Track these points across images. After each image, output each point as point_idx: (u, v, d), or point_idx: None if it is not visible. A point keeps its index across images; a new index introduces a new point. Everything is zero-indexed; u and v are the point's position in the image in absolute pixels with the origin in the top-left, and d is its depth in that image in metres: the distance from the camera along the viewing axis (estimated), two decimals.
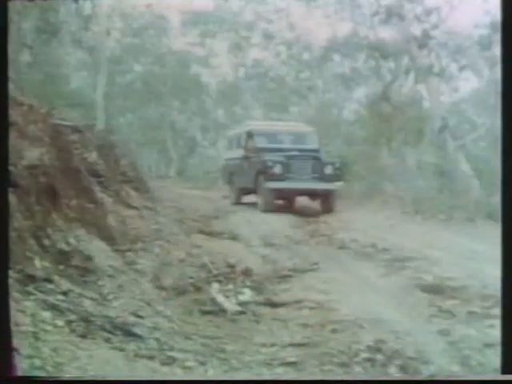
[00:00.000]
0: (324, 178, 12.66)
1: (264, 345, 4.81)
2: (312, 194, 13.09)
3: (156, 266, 6.69)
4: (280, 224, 10.59)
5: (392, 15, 17.20)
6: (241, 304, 5.83)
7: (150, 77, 26.81)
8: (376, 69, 18.37)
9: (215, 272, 6.84)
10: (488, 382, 4.17)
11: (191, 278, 6.52)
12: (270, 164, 12.51)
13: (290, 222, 10.57)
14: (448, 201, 12.86)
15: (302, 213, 12.66)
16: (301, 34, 21.55)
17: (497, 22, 16.34)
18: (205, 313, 5.56)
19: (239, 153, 14.36)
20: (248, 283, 6.56)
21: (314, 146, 14.12)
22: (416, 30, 16.95)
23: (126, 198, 8.89)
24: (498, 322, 5.29)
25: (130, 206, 8.70)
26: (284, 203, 13.42)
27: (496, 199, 16.85)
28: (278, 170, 12.45)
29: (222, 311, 5.61)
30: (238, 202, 14.43)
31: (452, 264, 7.33)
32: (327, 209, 12.73)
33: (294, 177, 12.58)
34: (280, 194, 12.66)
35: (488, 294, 6.09)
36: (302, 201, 13.88)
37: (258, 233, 9.80)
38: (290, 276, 7.01)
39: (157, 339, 4.37)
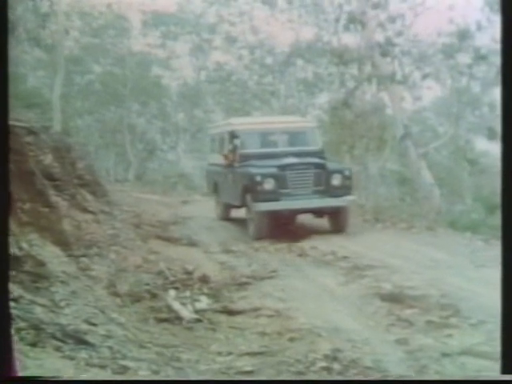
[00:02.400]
0: (331, 192, 10.26)
1: (220, 353, 4.81)
2: (317, 212, 10.71)
3: (111, 272, 6.64)
4: (240, 230, 10.60)
5: (356, 21, 17.39)
6: (197, 311, 5.81)
7: (110, 78, 26.57)
8: (339, 75, 18.54)
9: (172, 279, 6.81)
10: (488, 382, 4.24)
11: (147, 284, 6.49)
12: (258, 179, 10.05)
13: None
14: (409, 209, 13.03)
15: (305, 235, 10.33)
16: (264, 37, 21.65)
17: (460, 30, 16.68)
18: (160, 320, 5.52)
19: (222, 158, 11.73)
20: (205, 290, 6.55)
21: (315, 147, 11.52)
22: (379, 36, 17.16)
23: (81, 202, 8.82)
24: (456, 332, 5.42)
25: (85, 211, 8.63)
26: (281, 227, 10.55)
27: (457, 208, 17.15)
28: (269, 185, 10.00)
29: (178, 319, 5.58)
30: (224, 219, 12.24)
31: (412, 272, 7.42)
32: (338, 228, 10.49)
33: (292, 193, 10.17)
34: (275, 217, 10.11)
35: (447, 303, 6.20)
36: (304, 219, 11.47)
37: (217, 239, 9.80)
38: (248, 283, 7.01)
39: (109, 347, 4.32)
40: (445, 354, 4.93)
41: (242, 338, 5.25)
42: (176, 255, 8.28)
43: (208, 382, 4.32)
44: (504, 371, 3.81)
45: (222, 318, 5.77)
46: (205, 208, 13.87)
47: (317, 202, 10.24)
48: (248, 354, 4.83)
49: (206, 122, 22.96)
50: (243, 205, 10.64)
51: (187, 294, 6.36)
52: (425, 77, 17.54)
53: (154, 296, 6.16)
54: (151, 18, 26.34)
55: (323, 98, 20.06)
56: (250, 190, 10.20)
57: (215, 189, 12.71)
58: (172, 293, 6.33)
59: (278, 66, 21.37)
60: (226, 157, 11.41)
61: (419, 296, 6.46)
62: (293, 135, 11.72)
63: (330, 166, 10.65)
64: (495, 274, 7.22)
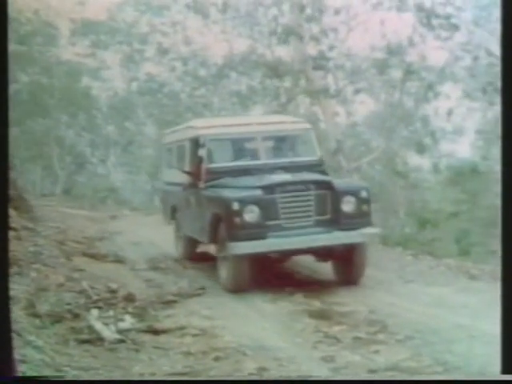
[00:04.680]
0: (341, 223, 7.45)
1: (142, 375, 4.77)
2: (321, 253, 7.77)
3: (31, 291, 6.48)
4: (168, 246, 10.52)
5: (289, 34, 17.63)
6: (121, 332, 5.74)
7: (37, 88, 26.05)
8: (272, 88, 18.72)
9: (95, 297, 6.70)
10: (488, 381, 4.32)
11: (69, 304, 6.35)
12: (235, 207, 7.18)
13: None
14: None
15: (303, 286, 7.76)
16: (197, 49, 21.63)
17: (392, 45, 17.13)
18: (81, 342, 5.43)
19: (182, 176, 8.94)
20: (130, 309, 6.48)
21: (312, 156, 8.68)
22: (313, 50, 17.43)
23: None
24: (383, 348, 5.53)
25: None
26: (266, 274, 7.92)
27: (390, 222, 17.50)
28: (252, 216, 7.19)
29: (100, 340, 5.50)
30: (189, 258, 9.57)
31: (340, 289, 7.55)
32: (349, 276, 7.76)
33: (284, 225, 7.40)
34: (259, 261, 7.41)
35: (375, 319, 6.33)
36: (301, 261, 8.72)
37: (144, 256, 9.71)
38: (174, 301, 6.99)
39: (22, 373, 4.22)
40: (371, 371, 5.03)
41: (166, 358, 5.23)
42: (101, 273, 8.16)
43: (208, 382, 4.49)
44: (504, 371, 3.92)
45: (146, 337, 5.73)
46: (133, 223, 13.74)
47: (322, 239, 7.37)
48: (171, 374, 4.81)
49: (136, 134, 22.80)
50: (213, 241, 8.00)
51: (111, 313, 6.28)
52: (358, 91, 17.92)
53: (75, 316, 6.05)
54: (81, 26, 25.97)
55: (257, 111, 20.18)
56: (224, 222, 7.39)
57: (173, 216, 10.06)
58: (94, 312, 6.22)
59: (211, 78, 21.40)
60: (187, 174, 8.72)
61: (347, 312, 6.57)
62: (279, 141, 8.90)
63: (339, 184, 7.70)
64: (423, 289, 7.47)
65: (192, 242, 9.33)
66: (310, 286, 7.74)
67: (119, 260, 9.30)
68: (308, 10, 17.66)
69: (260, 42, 19.16)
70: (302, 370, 4.98)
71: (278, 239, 7.26)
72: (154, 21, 23.30)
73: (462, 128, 16.54)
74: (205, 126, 8.98)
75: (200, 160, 8.38)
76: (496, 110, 15.61)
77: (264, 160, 8.42)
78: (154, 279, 8.16)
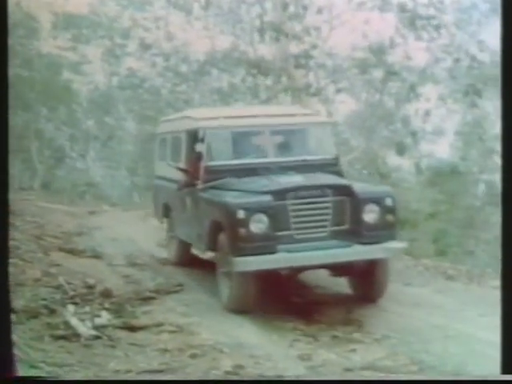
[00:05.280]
0: (361, 234, 6.52)
1: (118, 371, 4.76)
2: (336, 268, 6.81)
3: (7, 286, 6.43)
4: (147, 242, 10.47)
5: (272, 32, 17.63)
6: (97, 328, 5.71)
7: (17, 81, 25.84)
8: (254, 86, 18.71)
9: (72, 293, 6.67)
10: (488, 381, 4.35)
11: (45, 299, 6.32)
12: (241, 215, 6.24)
13: (156, 241, 10.45)
14: None
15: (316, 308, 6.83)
16: (179, 45, 21.52)
17: (374, 45, 17.19)
18: (57, 338, 5.41)
19: (177, 172, 8.00)
20: (106, 305, 6.46)
21: (327, 154, 7.65)
22: (295, 48, 17.44)
23: None
24: (360, 347, 5.56)
25: None
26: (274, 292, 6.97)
27: None
28: (259, 227, 6.24)
29: (76, 336, 5.48)
30: (181, 263, 8.66)
31: (319, 287, 7.58)
32: (368, 293, 6.95)
33: (296, 237, 6.49)
34: (267, 279, 6.46)
35: (352, 318, 6.37)
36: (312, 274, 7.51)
37: (122, 251, 9.64)
38: (151, 298, 6.96)
39: None
40: (347, 369, 5.06)
41: (142, 354, 5.22)
42: (78, 268, 8.10)
43: (208, 382, 4.49)
44: (504, 371, 3.95)
45: (123, 334, 5.71)
46: (112, 219, 13.66)
47: (340, 254, 6.43)
48: (147, 371, 4.80)
49: (117, 129, 22.66)
50: (212, 248, 6.93)
51: (87, 309, 6.25)
52: (339, 90, 17.95)
53: (51, 312, 6.02)
54: (62, 20, 25.77)
55: None
56: (226, 232, 6.44)
57: (166, 214, 9.12)
58: (71, 308, 6.19)
59: (192, 75, 21.33)
60: (183, 171, 7.78)
61: (325, 311, 6.60)
62: (290, 136, 7.74)
63: (360, 189, 6.72)
64: (400, 289, 7.52)
65: (186, 245, 8.24)
66: (326, 303, 6.92)
67: (97, 255, 9.22)
68: (291, 8, 17.67)
69: (242, 40, 19.13)
70: (278, 367, 5.01)
71: (290, 254, 6.26)
72: (136, 16, 23.15)
73: (442, 129, 16.65)
74: (205, 116, 7.82)
75: (198, 156, 7.31)
76: (475, 113, 15.76)
77: (272, 158, 7.39)
78: (132, 275, 8.10)
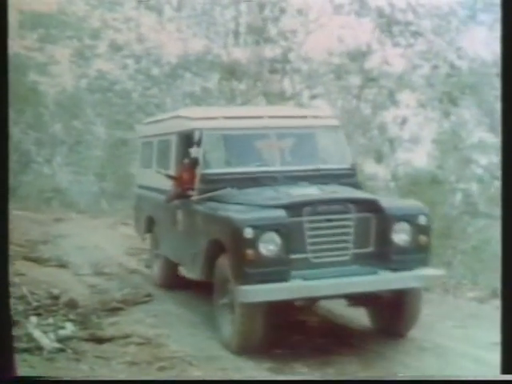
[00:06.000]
0: (389, 258, 5.73)
1: None
2: (357, 298, 5.94)
3: None
4: (115, 251, 10.42)
5: (247, 35, 17.68)
6: (61, 340, 5.66)
7: None
8: (228, 90, 18.72)
9: (35, 304, 6.61)
10: (488, 381, 4.37)
11: None
12: (249, 234, 5.32)
13: (124, 249, 10.41)
14: None
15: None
16: (150, 47, 21.49)
17: (351, 50, 17.31)
18: (19, 351, 5.33)
19: (165, 181, 7.15)
20: (71, 316, 6.41)
21: (342, 163, 6.86)
22: (270, 52, 17.50)
23: None
24: (335, 358, 5.57)
25: None
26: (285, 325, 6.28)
27: None
28: (271, 248, 5.37)
29: (39, 349, 5.42)
30: (165, 285, 8.00)
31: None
32: (394, 327, 6.12)
33: (312, 260, 5.64)
34: (278, 311, 5.65)
35: (327, 327, 6.40)
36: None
37: (89, 260, 9.58)
38: (119, 308, 6.93)
39: None
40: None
41: (108, 368, 5.19)
42: (43, 277, 8.06)
43: (208, 382, 4.55)
44: (504, 371, 3.98)
45: (88, 346, 5.67)
46: (79, 226, 13.56)
47: (364, 282, 5.57)
48: None
49: (85, 133, 22.49)
50: (208, 278, 6.14)
51: (50, 320, 6.20)
52: (314, 96, 18.03)
53: (13, 324, 5.95)
54: (29, 19, 25.56)
55: None
56: (230, 254, 5.56)
57: (150, 228, 8.31)
58: (33, 319, 6.13)
59: (164, 78, 21.29)
60: (174, 180, 6.90)
61: (298, 323, 6.60)
62: (299, 141, 6.98)
63: (389, 204, 5.90)
64: None
65: (173, 265, 7.72)
66: (343, 337, 6.21)
67: (63, 264, 9.17)
68: (267, 11, 17.74)
69: (216, 43, 19.15)
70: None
71: (306, 282, 5.40)
72: (107, 16, 23.07)
73: (419, 137, 16.77)
74: (201, 116, 6.94)
75: (193, 162, 6.47)
76: (452, 121, 15.91)
77: (279, 166, 6.55)
78: (99, 285, 8.08)
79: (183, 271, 7.52)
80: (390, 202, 6.04)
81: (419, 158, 16.00)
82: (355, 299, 5.95)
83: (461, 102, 15.64)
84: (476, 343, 5.84)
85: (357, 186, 6.59)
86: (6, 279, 3.54)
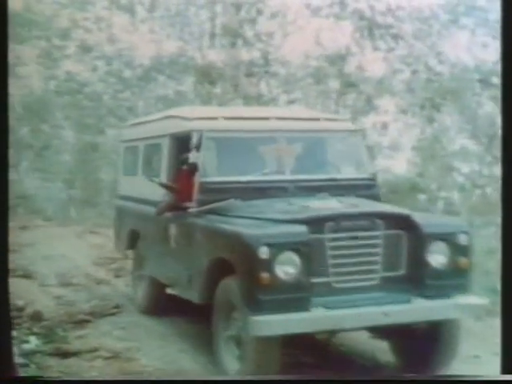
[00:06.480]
0: (425, 284, 5.16)
1: None
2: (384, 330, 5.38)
3: None
4: (83, 260, 10.33)
5: (222, 37, 17.70)
6: (24, 354, 5.60)
7: None
8: (203, 94, 18.71)
9: None
10: (488, 382, 4.36)
11: None
12: (263, 254, 4.67)
13: (92, 259, 10.32)
14: None
15: None
16: (122, 48, 21.40)
17: (330, 54, 17.38)
18: None
19: (154, 191, 6.56)
20: (36, 329, 6.35)
21: (359, 172, 6.41)
22: (246, 55, 17.52)
23: None
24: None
25: None
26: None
27: None
28: (287, 272, 4.76)
29: None
30: (152, 311, 7.27)
31: None
32: (427, 363, 5.41)
33: (334, 285, 5.05)
34: (295, 342, 5.26)
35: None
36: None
37: (56, 270, 9.50)
38: (86, 321, 6.89)
39: None
40: None
41: None
42: None
43: (208, 382, 4.57)
44: (504, 371, 3.98)
45: (53, 361, 5.63)
46: (46, 234, 13.44)
47: (396, 313, 4.95)
48: None
49: (53, 138, 22.29)
50: (209, 300, 5.44)
51: (14, 334, 6.11)
52: (292, 101, 18.08)
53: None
54: None
55: None
56: (240, 277, 4.90)
57: (133, 244, 7.64)
58: None
59: (136, 81, 21.22)
60: (169, 189, 6.30)
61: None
62: (311, 146, 6.41)
63: (424, 220, 5.30)
64: None
65: (161, 286, 7.03)
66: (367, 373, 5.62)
67: (28, 275, 9.08)
68: (243, 13, 17.78)
69: (190, 45, 19.14)
70: None
71: (329, 312, 4.80)
72: (76, 15, 22.95)
73: (399, 144, 16.88)
74: (199, 116, 6.33)
75: (191, 169, 5.85)
76: (434, 127, 16.03)
77: (289, 175, 5.97)
78: (65, 296, 8.03)
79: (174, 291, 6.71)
80: (424, 217, 5.48)
81: (399, 165, 16.07)
82: (381, 331, 5.44)
83: (442, 108, 15.77)
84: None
85: (377, 198, 6.07)
86: (5, 279, 3.57)
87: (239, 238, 4.84)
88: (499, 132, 15.30)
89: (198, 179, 5.73)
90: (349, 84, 17.24)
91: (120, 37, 21.78)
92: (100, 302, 7.70)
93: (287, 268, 4.70)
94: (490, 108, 15.40)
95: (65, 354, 5.79)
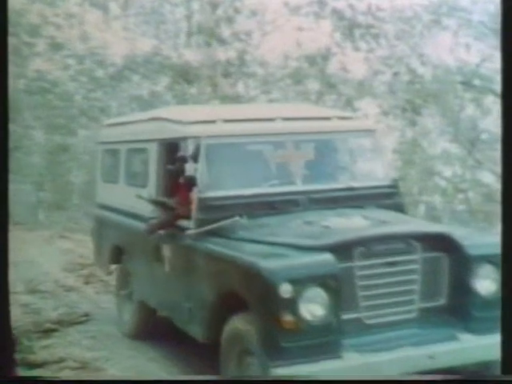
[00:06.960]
0: (470, 316, 4.47)
1: None
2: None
3: None
4: (51, 267, 10.26)
5: (199, 36, 17.69)
6: None
7: None
8: (178, 94, 18.69)
9: None
10: (488, 382, 4.31)
11: None
12: (284, 293, 3.93)
13: (62, 265, 10.25)
14: None
15: None
16: (94, 46, 21.34)
17: (310, 54, 17.44)
18: None
19: (140, 203, 5.78)
20: None
21: (379, 179, 5.76)
22: (223, 55, 17.53)
23: None
24: None
25: None
26: None
27: None
28: (312, 311, 4.01)
29: None
30: (139, 336, 6.50)
31: None
32: None
33: (366, 322, 4.33)
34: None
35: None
36: None
37: (22, 276, 9.41)
38: (53, 330, 6.84)
39: None
40: None
41: None
42: None
43: (208, 382, 4.48)
44: (504, 371, 3.94)
45: (18, 372, 5.56)
46: (14, 239, 13.30)
47: (442, 354, 4.26)
48: None
49: (22, 138, 22.14)
50: (215, 340, 4.66)
51: None
52: (271, 101, 18.10)
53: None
54: None
55: None
56: (256, 316, 4.18)
57: (117, 259, 6.75)
58: None
59: (109, 80, 21.15)
60: (161, 206, 5.52)
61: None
62: (322, 150, 5.71)
63: (467, 240, 4.58)
64: None
65: (150, 311, 6.29)
66: None
67: None
68: (220, 11, 17.79)
69: (166, 43, 19.10)
70: None
71: (363, 356, 4.12)
72: (47, 12, 22.83)
73: (380, 147, 17.01)
74: (194, 119, 5.48)
75: (189, 183, 5.10)
76: (415, 130, 16.13)
77: (301, 185, 5.25)
78: (32, 304, 7.95)
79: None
80: (467, 236, 4.69)
81: (380, 168, 16.18)
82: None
83: (423, 111, 15.88)
84: None
85: (401, 208, 5.46)
86: (5, 279, 3.57)
87: (256, 273, 4.10)
88: (481, 135, 15.47)
89: (196, 195, 4.98)
90: (329, 85, 17.29)
91: (92, 34, 21.68)
92: (68, 309, 7.64)
93: (314, 307, 4.03)
94: (472, 111, 15.54)
95: (30, 365, 5.73)
